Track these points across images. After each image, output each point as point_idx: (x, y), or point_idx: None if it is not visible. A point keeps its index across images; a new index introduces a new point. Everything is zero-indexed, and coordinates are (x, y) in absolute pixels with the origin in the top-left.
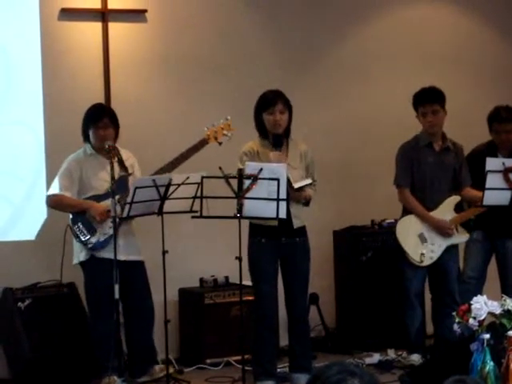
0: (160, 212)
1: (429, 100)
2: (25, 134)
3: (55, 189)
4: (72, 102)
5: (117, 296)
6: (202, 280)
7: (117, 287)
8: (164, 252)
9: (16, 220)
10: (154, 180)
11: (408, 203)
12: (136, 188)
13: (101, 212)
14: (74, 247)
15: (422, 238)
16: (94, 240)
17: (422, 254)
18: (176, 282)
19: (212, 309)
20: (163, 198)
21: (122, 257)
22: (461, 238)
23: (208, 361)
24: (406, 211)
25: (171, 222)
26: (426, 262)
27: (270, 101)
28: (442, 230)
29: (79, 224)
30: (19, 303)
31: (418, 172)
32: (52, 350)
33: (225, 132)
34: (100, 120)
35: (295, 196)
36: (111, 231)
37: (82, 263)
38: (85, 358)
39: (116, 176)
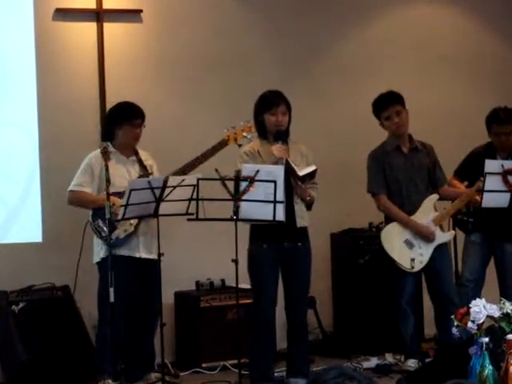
0: (156, 214)
1: (390, 102)
2: (19, 136)
3: (76, 185)
4: (67, 102)
5: (112, 299)
6: (198, 283)
7: (112, 290)
8: (159, 254)
9: (11, 222)
10: (149, 182)
11: (387, 210)
12: (131, 190)
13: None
14: (94, 246)
15: (409, 244)
16: (113, 236)
17: (412, 260)
18: (172, 285)
19: (208, 312)
20: (159, 199)
21: (143, 254)
22: (446, 236)
23: (204, 365)
24: (388, 218)
25: (167, 225)
26: (417, 266)
27: (273, 102)
28: (424, 235)
29: (99, 221)
30: (13, 306)
31: (391, 177)
32: (46, 354)
33: (245, 134)
34: (138, 118)
35: (301, 190)
36: (131, 228)
37: (98, 262)
38: (80, 362)
39: (136, 176)
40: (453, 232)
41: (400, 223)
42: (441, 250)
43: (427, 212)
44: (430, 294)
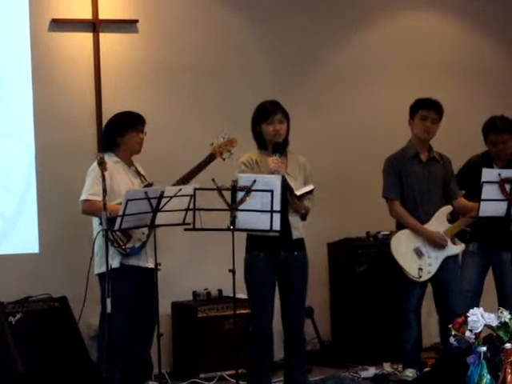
0: (152, 224)
1: (433, 107)
2: (15, 146)
3: (91, 194)
4: (63, 113)
5: (109, 310)
6: (194, 293)
7: (109, 301)
8: (156, 265)
9: (7, 233)
10: (146, 192)
11: (400, 216)
12: (128, 200)
13: None
14: (98, 258)
15: (418, 253)
16: (129, 245)
17: (420, 269)
18: (169, 296)
19: (205, 322)
20: (155, 210)
21: (149, 264)
22: (456, 248)
23: (201, 375)
24: (400, 225)
25: (164, 235)
26: (424, 276)
27: (269, 111)
28: (436, 242)
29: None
30: (10, 317)
31: (406, 184)
32: (44, 365)
33: (228, 148)
34: (140, 123)
35: (296, 205)
36: (144, 237)
37: (110, 270)
38: (77, 373)
39: (138, 185)
40: (463, 245)
41: (412, 230)
42: (450, 262)
43: (440, 223)
44: (436, 306)
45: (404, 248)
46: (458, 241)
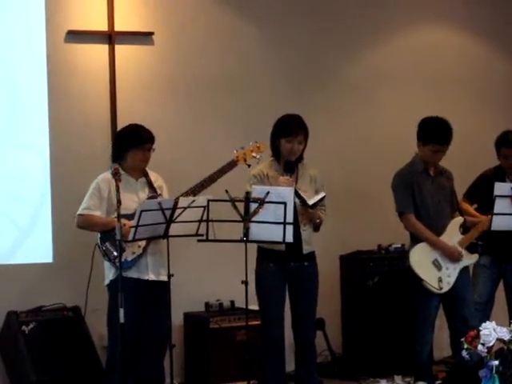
0: (165, 235)
1: (446, 143)
2: (30, 158)
3: (84, 208)
4: (78, 124)
5: (122, 320)
6: (207, 304)
7: (122, 311)
8: (169, 276)
9: (21, 243)
10: (159, 203)
11: (416, 230)
12: (142, 211)
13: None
14: (105, 269)
15: (437, 265)
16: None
17: (440, 281)
18: (181, 306)
19: (217, 333)
20: (169, 221)
21: (152, 276)
22: (472, 259)
23: None
24: (415, 238)
25: (177, 246)
26: (445, 288)
27: (292, 130)
28: (451, 255)
29: (107, 243)
30: (23, 326)
31: (420, 198)
32: (57, 374)
33: (254, 154)
34: (145, 142)
35: (310, 215)
36: (140, 250)
37: (108, 284)
38: (89, 382)
39: (145, 197)
40: (477, 255)
41: (428, 243)
42: (464, 273)
43: (453, 234)
44: (448, 318)
45: (423, 261)
46: (469, 253)
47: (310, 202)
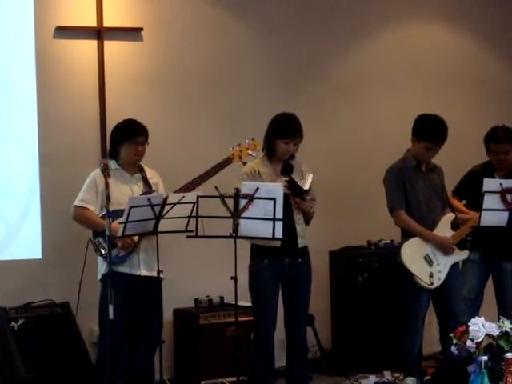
0: (155, 231)
1: (440, 141)
2: (19, 153)
3: (80, 200)
4: (67, 120)
5: (111, 317)
6: (196, 300)
7: (111, 307)
8: (159, 272)
9: (10, 239)
10: (149, 199)
11: (407, 225)
12: (131, 207)
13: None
14: (98, 263)
15: (428, 260)
16: (113, 254)
17: (431, 276)
18: (170, 303)
19: (207, 329)
20: (158, 217)
21: (143, 272)
22: (462, 255)
23: (203, 382)
24: (406, 234)
25: (166, 242)
26: (436, 283)
27: (290, 132)
28: (444, 246)
29: (99, 238)
30: (12, 323)
31: (411, 194)
32: (46, 370)
33: (249, 152)
34: (140, 136)
35: (304, 205)
36: (131, 246)
37: (101, 279)
38: (79, 379)
39: (139, 192)
40: (467, 251)
41: (421, 237)
42: (454, 269)
43: (445, 230)
44: (437, 314)
45: (414, 256)
46: (458, 249)
47: (306, 186)
